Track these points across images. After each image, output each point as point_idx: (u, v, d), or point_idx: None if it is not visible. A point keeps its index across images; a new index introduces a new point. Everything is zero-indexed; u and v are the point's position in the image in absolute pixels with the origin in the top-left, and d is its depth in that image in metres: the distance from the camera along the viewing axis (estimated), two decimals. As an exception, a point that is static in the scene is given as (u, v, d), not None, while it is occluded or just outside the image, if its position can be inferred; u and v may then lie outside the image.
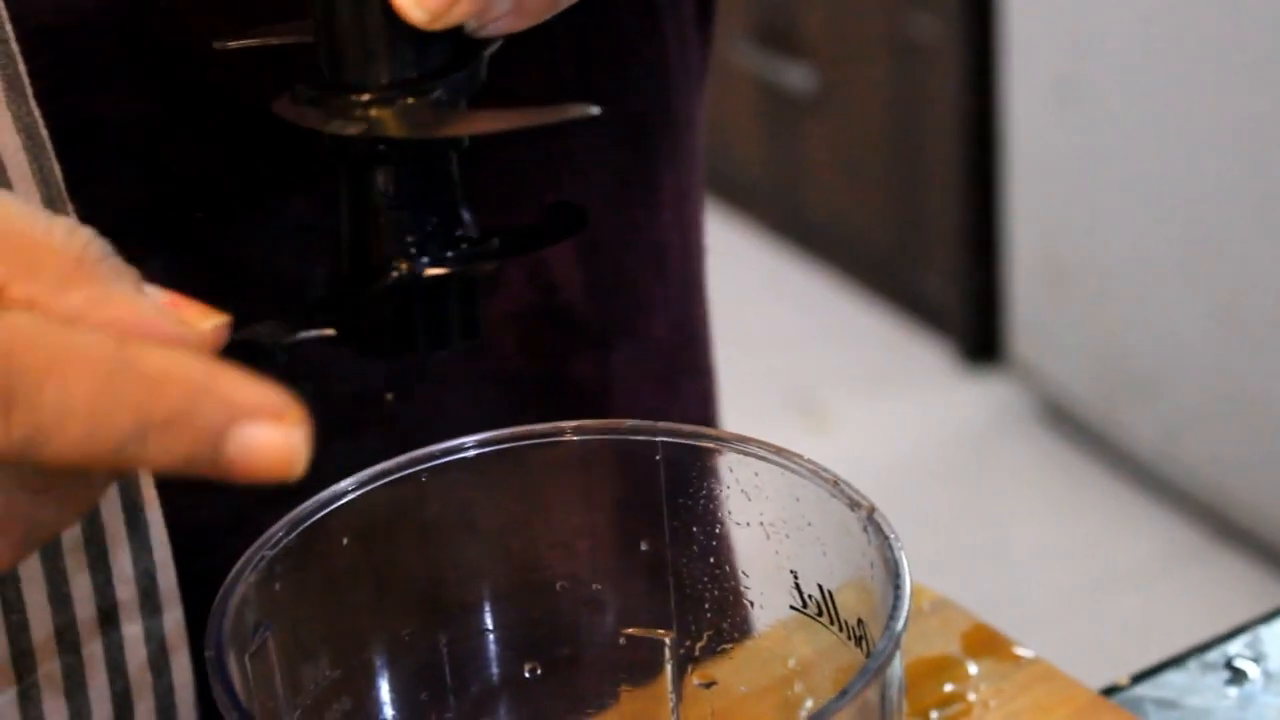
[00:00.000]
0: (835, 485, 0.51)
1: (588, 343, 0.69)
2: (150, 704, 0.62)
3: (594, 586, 0.55)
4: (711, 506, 0.54)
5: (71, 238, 0.44)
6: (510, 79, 0.56)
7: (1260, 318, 1.97)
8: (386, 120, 0.50)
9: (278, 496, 0.53)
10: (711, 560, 0.54)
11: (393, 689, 0.54)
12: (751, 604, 0.54)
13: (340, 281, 0.52)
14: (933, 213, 2.39)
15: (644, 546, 0.55)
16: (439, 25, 0.49)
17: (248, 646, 0.50)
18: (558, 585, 0.55)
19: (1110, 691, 0.65)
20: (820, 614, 0.52)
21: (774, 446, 0.53)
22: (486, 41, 0.52)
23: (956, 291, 2.37)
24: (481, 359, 0.66)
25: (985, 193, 2.30)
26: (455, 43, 0.51)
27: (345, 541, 0.53)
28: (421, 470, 0.53)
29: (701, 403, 0.75)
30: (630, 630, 0.56)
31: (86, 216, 0.56)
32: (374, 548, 0.53)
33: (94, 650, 0.61)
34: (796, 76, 2.53)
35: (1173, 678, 0.65)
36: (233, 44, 0.54)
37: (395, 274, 0.51)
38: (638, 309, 0.71)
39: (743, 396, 2.14)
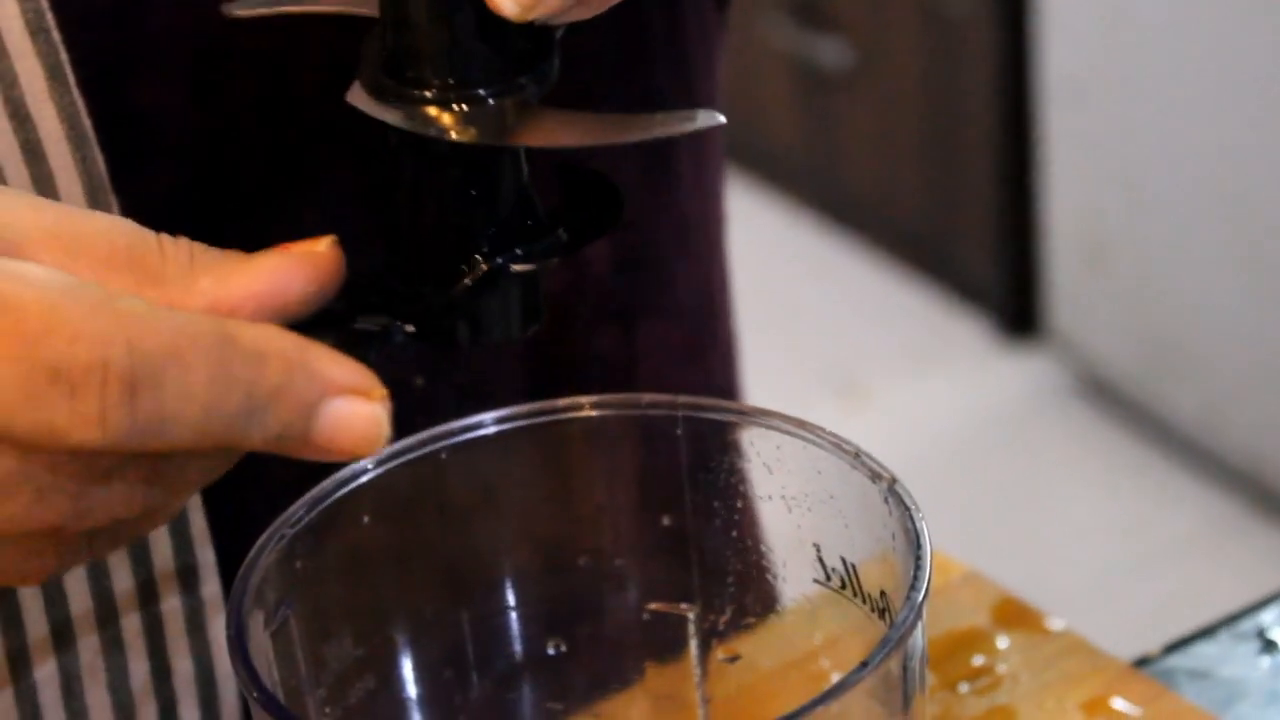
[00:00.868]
0: (856, 457, 0.51)
1: (614, 317, 0.69)
2: (189, 673, 0.62)
3: (616, 562, 0.55)
4: (733, 480, 0.54)
5: (177, 244, 0.45)
6: None
7: (1300, 288, 1.96)
8: (474, 121, 0.48)
9: (315, 480, 0.53)
10: (734, 534, 0.54)
11: (416, 667, 0.54)
12: (775, 578, 0.54)
13: (409, 277, 0.50)
14: (970, 187, 2.38)
15: (666, 521, 0.55)
16: (530, 17, 0.47)
17: (269, 625, 0.50)
18: (580, 561, 0.55)
19: (1142, 663, 0.64)
20: (843, 587, 0.52)
21: (795, 419, 0.52)
22: (556, 30, 0.50)
23: (994, 266, 2.36)
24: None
25: (1023, 166, 2.29)
26: (532, 35, 0.49)
27: (366, 520, 0.53)
28: (441, 448, 0.53)
29: (725, 371, 0.75)
30: (653, 605, 0.55)
31: (128, 209, 0.56)
32: (395, 526, 0.53)
33: (133, 624, 0.61)
34: (831, 52, 2.52)
35: (1204, 648, 0.65)
36: (241, 11, 0.52)
37: (480, 270, 0.49)
38: (662, 281, 0.71)
39: (780, 374, 2.14)
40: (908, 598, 0.47)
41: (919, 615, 0.47)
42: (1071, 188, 2.21)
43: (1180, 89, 2.02)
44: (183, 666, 0.61)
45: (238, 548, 0.60)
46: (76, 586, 0.59)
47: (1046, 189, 2.25)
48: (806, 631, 0.54)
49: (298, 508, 0.51)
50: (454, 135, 0.48)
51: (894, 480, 0.50)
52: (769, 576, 0.54)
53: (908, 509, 0.49)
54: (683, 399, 0.53)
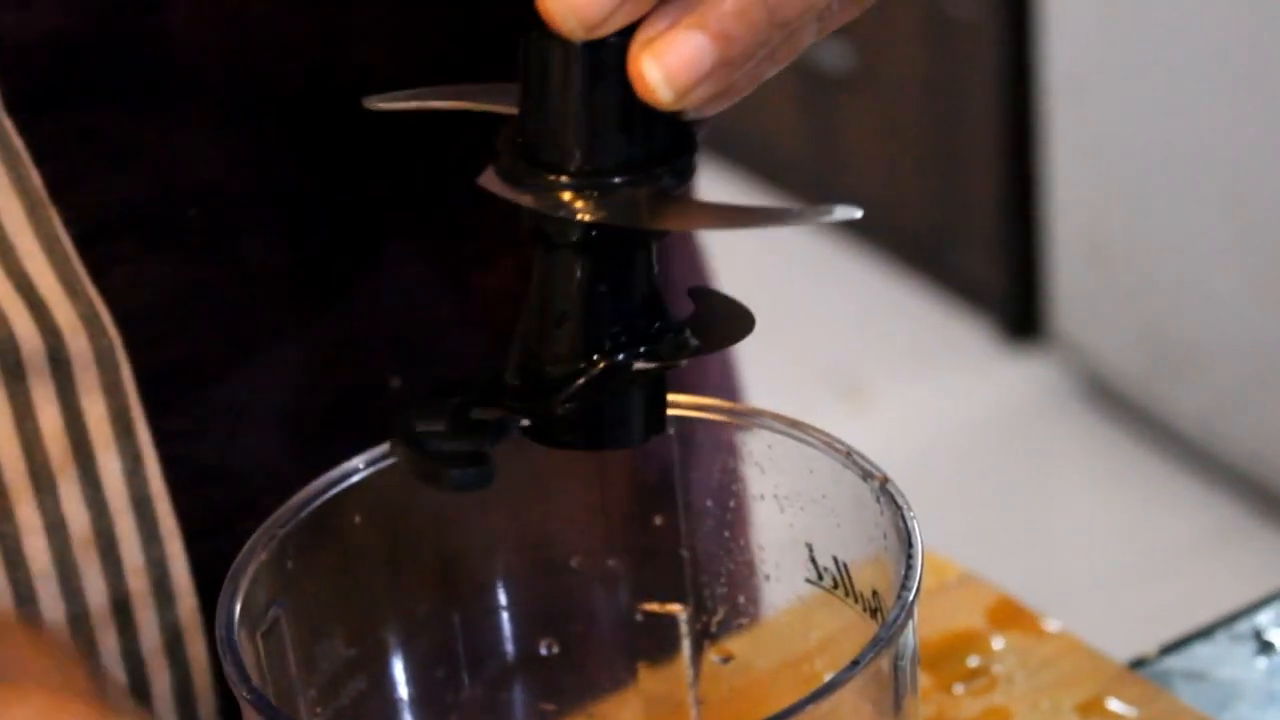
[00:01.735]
0: (848, 456, 0.51)
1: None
2: (166, 687, 0.62)
3: (608, 562, 0.55)
4: (725, 480, 0.54)
5: None
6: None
7: (1303, 290, 1.95)
8: (607, 205, 0.47)
9: (288, 480, 0.53)
10: (726, 534, 0.54)
11: (408, 667, 0.54)
12: (767, 577, 0.54)
13: (528, 369, 0.49)
14: (972, 189, 2.38)
15: (658, 521, 0.54)
16: (682, 105, 0.46)
17: (259, 625, 0.50)
18: (572, 561, 0.55)
19: (1138, 664, 0.64)
20: (836, 587, 0.52)
21: (787, 419, 0.52)
22: (698, 127, 0.49)
23: (997, 268, 2.36)
24: (485, 335, 0.65)
25: (1025, 168, 2.29)
26: (673, 127, 0.48)
27: (357, 519, 0.52)
28: (433, 447, 0.53)
29: (723, 371, 0.75)
30: (646, 606, 0.55)
31: (71, 220, 0.57)
32: (385, 525, 0.53)
33: (108, 640, 0.61)
34: (834, 54, 2.51)
35: (1201, 649, 0.65)
36: (382, 105, 0.50)
37: (598, 367, 0.48)
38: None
39: (782, 376, 2.14)
40: (899, 597, 0.46)
41: (910, 614, 0.46)
42: (1074, 190, 2.21)
43: (1183, 92, 2.02)
44: (158, 691, 0.62)
45: (212, 549, 0.60)
46: (49, 590, 0.60)
47: (1049, 192, 2.24)
48: (799, 632, 0.54)
49: (288, 507, 0.51)
50: (583, 215, 0.47)
51: (886, 479, 0.50)
52: (761, 576, 0.54)
53: (899, 508, 0.49)
54: (675, 398, 0.53)
